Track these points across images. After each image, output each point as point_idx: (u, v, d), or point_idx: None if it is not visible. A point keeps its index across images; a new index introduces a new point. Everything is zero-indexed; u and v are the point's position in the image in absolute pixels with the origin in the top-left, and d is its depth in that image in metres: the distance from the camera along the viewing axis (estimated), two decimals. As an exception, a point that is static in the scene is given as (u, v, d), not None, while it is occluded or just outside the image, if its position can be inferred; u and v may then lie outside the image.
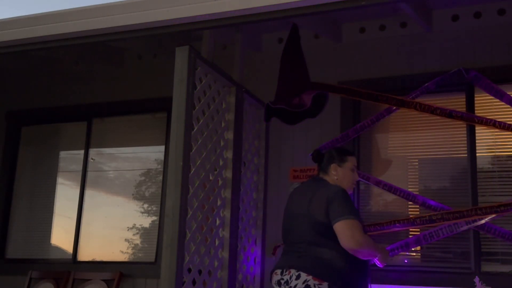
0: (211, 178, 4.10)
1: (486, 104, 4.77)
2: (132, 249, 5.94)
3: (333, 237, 3.22)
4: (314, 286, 3.14)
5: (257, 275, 4.60)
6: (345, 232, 3.19)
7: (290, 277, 3.22)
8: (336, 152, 3.60)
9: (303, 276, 3.17)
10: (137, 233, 5.93)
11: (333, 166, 3.53)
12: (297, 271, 3.20)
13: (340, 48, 5.29)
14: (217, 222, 4.14)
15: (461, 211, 4.43)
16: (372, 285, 3.49)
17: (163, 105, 5.54)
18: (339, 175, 3.51)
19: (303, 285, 3.15)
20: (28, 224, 6.41)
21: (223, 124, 4.30)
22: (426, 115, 4.76)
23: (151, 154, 6.09)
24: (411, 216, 4.76)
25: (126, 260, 5.89)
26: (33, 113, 6.60)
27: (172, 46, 3.90)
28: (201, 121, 3.99)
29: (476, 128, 4.71)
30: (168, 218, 3.60)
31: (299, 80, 4.48)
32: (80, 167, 6.24)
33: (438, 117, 4.71)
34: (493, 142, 4.74)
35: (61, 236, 6.26)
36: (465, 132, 4.78)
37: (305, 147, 5.05)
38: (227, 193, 4.24)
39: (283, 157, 5.24)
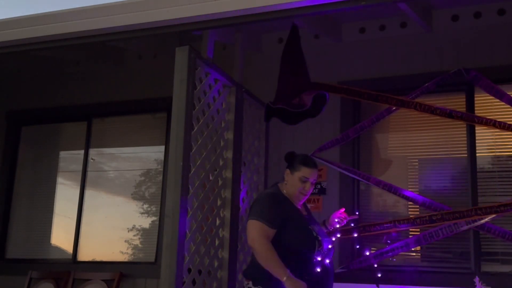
0: (211, 178, 4.10)
1: (486, 104, 4.77)
2: (132, 249, 5.93)
3: None
4: (245, 286, 3.37)
5: (257, 275, 4.59)
6: (247, 230, 3.35)
7: None
8: (297, 158, 3.57)
9: (242, 277, 3.41)
10: (137, 233, 5.93)
11: (287, 171, 3.56)
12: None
13: (340, 48, 5.29)
14: (217, 222, 4.14)
15: (461, 211, 4.43)
16: (372, 285, 3.48)
17: (163, 105, 5.55)
18: (288, 181, 3.52)
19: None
20: (28, 224, 6.41)
21: (223, 124, 4.30)
22: (426, 115, 4.75)
23: (151, 154, 6.09)
24: (411, 216, 4.76)
25: (126, 260, 5.89)
26: (33, 113, 6.60)
27: (172, 46, 3.90)
28: (201, 121, 3.99)
29: (476, 128, 4.71)
30: (168, 218, 3.60)
31: (299, 80, 4.48)
32: (80, 167, 6.24)
33: (438, 117, 4.71)
34: (493, 142, 4.74)
35: (61, 236, 6.26)
36: (465, 132, 4.78)
37: (305, 147, 5.04)
38: (227, 193, 4.24)
39: (283, 157, 5.22)
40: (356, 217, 3.83)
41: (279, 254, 3.24)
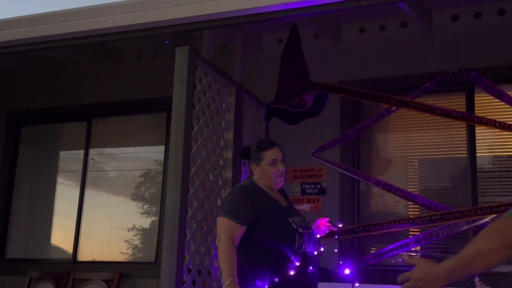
0: (211, 178, 4.10)
1: (486, 104, 4.77)
2: (132, 249, 5.93)
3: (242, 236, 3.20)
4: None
5: (257, 275, 4.59)
6: (216, 227, 3.22)
7: None
8: (254, 150, 3.43)
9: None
10: (137, 233, 5.92)
11: (252, 166, 3.41)
12: None
13: (340, 48, 5.29)
14: (217, 222, 4.14)
15: (461, 211, 4.43)
16: (372, 285, 3.46)
17: (163, 105, 5.54)
18: (259, 174, 3.36)
19: None
20: (28, 224, 6.41)
21: (223, 124, 4.31)
22: (426, 115, 4.76)
23: (151, 154, 6.09)
24: (411, 216, 4.76)
25: (126, 260, 5.89)
26: (33, 113, 6.60)
27: (172, 46, 3.90)
28: (201, 121, 3.99)
29: (476, 128, 4.71)
30: (168, 218, 3.60)
31: (299, 80, 4.49)
32: (80, 167, 6.23)
33: (438, 117, 4.71)
34: (493, 142, 4.74)
35: (61, 236, 6.26)
36: (465, 132, 4.78)
37: (305, 147, 5.05)
38: (227, 193, 4.25)
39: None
40: (334, 229, 3.67)
41: (257, 254, 3.11)
